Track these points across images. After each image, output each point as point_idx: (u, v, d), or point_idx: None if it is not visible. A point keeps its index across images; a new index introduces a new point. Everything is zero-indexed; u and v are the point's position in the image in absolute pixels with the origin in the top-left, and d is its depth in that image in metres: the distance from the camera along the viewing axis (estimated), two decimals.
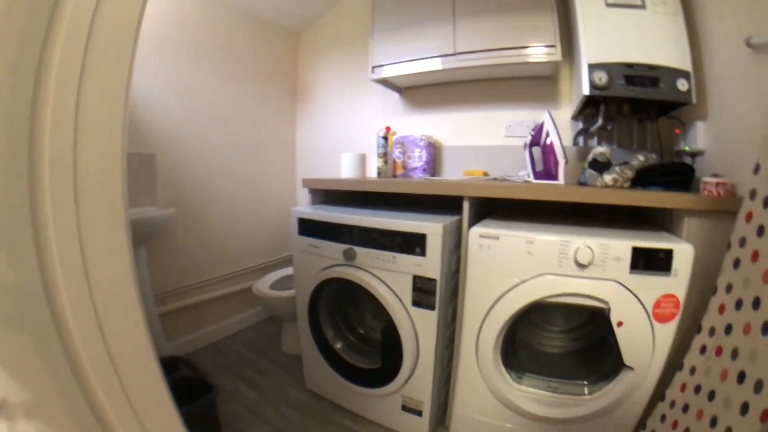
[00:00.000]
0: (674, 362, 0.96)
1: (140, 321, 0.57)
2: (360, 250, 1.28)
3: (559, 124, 1.32)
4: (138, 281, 0.57)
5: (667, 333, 0.96)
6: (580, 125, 1.62)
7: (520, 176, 1.53)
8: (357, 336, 1.53)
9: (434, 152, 1.96)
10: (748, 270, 0.76)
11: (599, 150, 1.33)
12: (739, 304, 0.77)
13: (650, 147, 1.48)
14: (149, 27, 1.61)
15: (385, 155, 1.84)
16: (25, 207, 0.45)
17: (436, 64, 1.67)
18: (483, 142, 1.87)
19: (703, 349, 0.86)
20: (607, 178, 1.24)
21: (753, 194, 0.80)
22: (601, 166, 1.31)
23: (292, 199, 2.55)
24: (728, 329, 0.78)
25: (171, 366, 1.30)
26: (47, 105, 0.46)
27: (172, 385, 0.64)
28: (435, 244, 1.15)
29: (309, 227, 1.42)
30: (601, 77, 1.25)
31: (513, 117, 1.80)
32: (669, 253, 0.93)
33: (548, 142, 1.33)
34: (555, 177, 1.32)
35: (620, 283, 0.97)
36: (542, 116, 1.38)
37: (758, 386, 0.64)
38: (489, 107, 1.86)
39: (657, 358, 0.98)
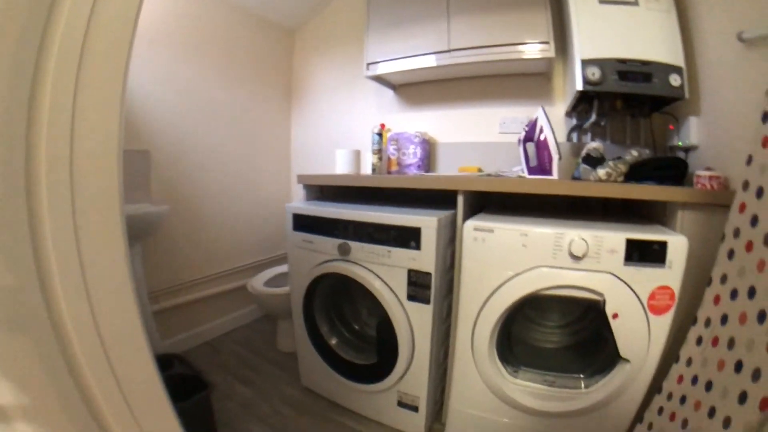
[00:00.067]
0: (670, 354, 0.96)
1: (137, 321, 0.57)
2: (354, 245, 1.27)
3: (553, 120, 1.33)
4: (133, 279, 0.57)
5: (662, 325, 0.97)
6: (574, 122, 1.63)
7: (514, 172, 1.53)
8: (352, 332, 1.52)
9: (429, 149, 1.96)
10: (743, 260, 0.77)
11: (593, 145, 1.33)
12: (734, 294, 0.77)
13: (643, 142, 1.49)
14: (145, 24, 1.58)
15: (379, 152, 1.84)
16: (22, 207, 0.45)
17: (430, 61, 1.67)
18: (477, 138, 1.87)
19: (699, 341, 0.86)
20: (601, 172, 1.24)
21: (746, 185, 0.80)
22: (594, 161, 1.31)
23: (287, 196, 2.53)
24: (724, 319, 0.78)
25: (166, 363, 1.28)
26: (44, 104, 0.46)
27: (167, 381, 0.63)
28: (430, 238, 1.15)
29: (303, 222, 1.41)
30: (594, 73, 1.26)
31: (507, 113, 1.80)
32: (663, 245, 0.94)
33: (542, 137, 1.33)
34: (549, 172, 1.32)
35: (615, 275, 0.98)
36: (536, 112, 1.38)
37: (756, 374, 0.64)
38: (483, 104, 1.86)
39: (653, 350, 0.98)
